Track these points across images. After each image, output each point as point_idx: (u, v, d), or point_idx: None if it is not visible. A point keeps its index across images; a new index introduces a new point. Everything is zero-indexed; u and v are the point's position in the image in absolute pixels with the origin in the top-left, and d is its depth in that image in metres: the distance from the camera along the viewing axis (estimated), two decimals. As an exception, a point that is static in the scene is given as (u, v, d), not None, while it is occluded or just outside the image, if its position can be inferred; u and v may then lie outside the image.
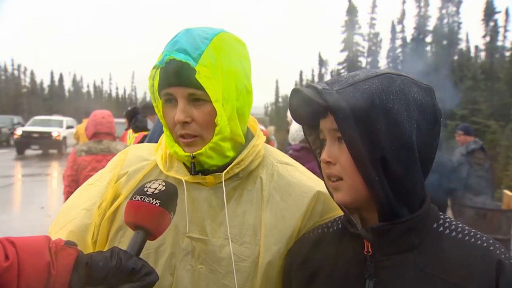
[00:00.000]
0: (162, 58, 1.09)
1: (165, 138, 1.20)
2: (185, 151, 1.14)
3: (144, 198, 0.98)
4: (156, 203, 0.97)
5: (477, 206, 5.69)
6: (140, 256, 0.95)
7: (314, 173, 1.30)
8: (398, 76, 0.98)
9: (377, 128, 0.92)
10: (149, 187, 1.00)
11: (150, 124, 5.75)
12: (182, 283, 1.12)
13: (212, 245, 1.13)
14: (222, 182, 1.15)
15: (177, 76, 1.09)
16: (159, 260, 1.13)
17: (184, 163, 1.19)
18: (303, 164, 1.33)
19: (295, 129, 3.45)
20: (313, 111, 1.00)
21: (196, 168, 1.16)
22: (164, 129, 1.18)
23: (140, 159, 1.26)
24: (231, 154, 1.17)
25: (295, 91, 1.02)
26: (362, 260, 0.99)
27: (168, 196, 1.00)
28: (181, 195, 1.11)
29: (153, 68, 1.12)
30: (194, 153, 1.13)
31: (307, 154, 3.23)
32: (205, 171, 1.17)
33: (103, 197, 1.20)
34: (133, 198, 0.99)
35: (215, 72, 1.08)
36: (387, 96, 0.93)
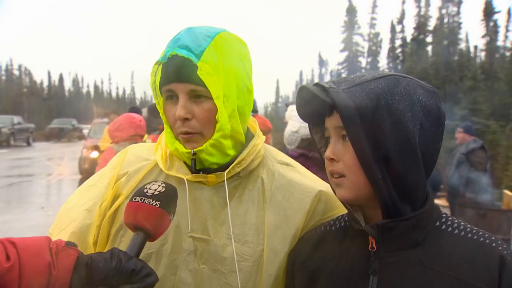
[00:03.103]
0: (165, 54, 1.10)
1: (165, 135, 1.20)
2: (185, 148, 1.14)
3: (144, 199, 0.98)
4: (156, 204, 0.97)
5: (477, 206, 5.71)
6: (141, 256, 0.95)
7: None
8: (404, 78, 1.00)
9: (381, 127, 0.93)
10: (149, 188, 1.00)
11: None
12: (185, 283, 1.12)
13: (215, 245, 1.13)
14: (224, 181, 1.15)
15: (178, 72, 1.09)
16: (160, 260, 1.13)
17: (184, 162, 1.19)
18: None
19: (288, 133, 3.24)
20: (319, 109, 1.02)
21: (197, 166, 1.16)
22: (165, 126, 1.18)
23: (140, 159, 1.26)
24: (231, 152, 1.17)
25: (302, 89, 1.03)
26: (367, 257, 1.00)
27: (167, 197, 1.00)
28: (182, 194, 1.11)
29: (155, 63, 1.13)
30: (194, 150, 1.13)
31: (305, 161, 3.18)
32: (206, 170, 1.17)
33: (103, 198, 1.19)
34: (133, 199, 0.99)
35: (217, 69, 1.09)
36: (393, 97, 0.95)
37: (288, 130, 3.35)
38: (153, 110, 5.91)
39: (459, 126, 6.63)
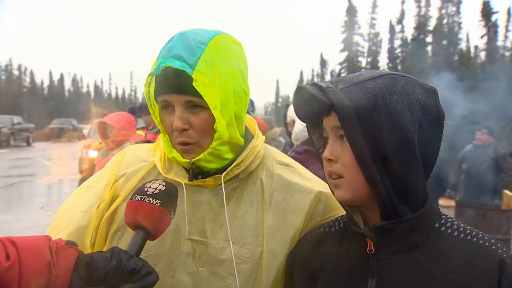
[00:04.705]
0: (158, 66, 1.07)
1: (163, 143, 1.20)
2: (183, 157, 1.14)
3: (144, 198, 0.98)
4: (156, 203, 0.97)
5: (477, 206, 5.71)
6: (139, 256, 0.95)
7: (317, 176, 1.29)
8: (402, 77, 0.99)
9: (379, 127, 0.92)
10: (149, 187, 1.00)
11: (141, 123, 5.85)
12: (183, 285, 1.11)
13: (213, 248, 1.13)
14: (221, 184, 1.15)
15: (173, 84, 1.07)
16: (158, 263, 1.12)
17: (183, 166, 1.19)
18: (305, 168, 1.32)
19: (299, 129, 3.43)
20: (317, 109, 1.01)
21: (195, 170, 1.16)
22: (161, 134, 1.17)
23: (138, 160, 1.25)
24: (229, 156, 1.16)
25: (299, 89, 1.02)
26: (365, 259, 0.99)
27: (168, 196, 1.00)
28: (181, 197, 1.10)
29: (149, 75, 1.11)
30: (193, 160, 1.12)
31: (310, 157, 3.22)
32: (204, 173, 1.16)
33: (101, 199, 1.19)
34: (133, 198, 0.99)
35: (213, 78, 1.07)
36: (391, 96, 0.94)
37: (300, 126, 3.42)
38: (139, 109, 5.94)
39: (482, 128, 6.56)
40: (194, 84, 1.05)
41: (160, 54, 1.10)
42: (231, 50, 1.13)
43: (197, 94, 1.06)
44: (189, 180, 1.15)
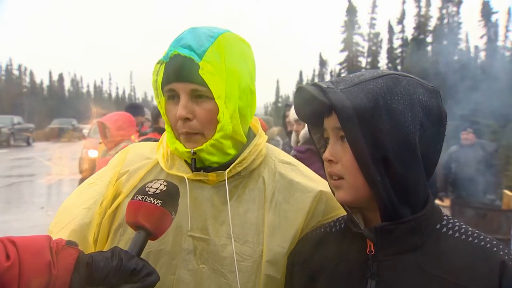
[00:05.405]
0: (167, 53, 1.10)
1: (166, 135, 1.21)
2: (186, 147, 1.14)
3: (146, 198, 0.98)
4: (158, 203, 0.97)
5: (477, 206, 5.71)
6: (140, 256, 0.95)
7: (317, 175, 1.29)
8: (404, 77, 0.98)
9: (380, 128, 0.92)
10: (151, 187, 1.00)
11: None
12: (184, 283, 1.11)
13: (214, 245, 1.13)
14: (225, 180, 1.15)
15: (180, 72, 1.09)
16: (159, 260, 1.12)
17: (185, 161, 1.19)
18: (307, 166, 1.32)
19: (306, 129, 3.46)
20: (317, 110, 1.00)
21: (197, 165, 1.16)
22: (166, 126, 1.18)
23: (141, 158, 1.26)
24: (232, 152, 1.16)
25: (299, 89, 1.02)
26: (365, 260, 0.99)
27: (169, 196, 1.00)
28: (183, 192, 1.11)
29: (157, 63, 1.13)
30: (194, 149, 1.13)
31: (311, 156, 3.23)
32: (207, 168, 1.17)
33: (104, 196, 1.19)
34: (135, 198, 0.99)
35: (219, 69, 1.08)
36: (392, 97, 0.94)
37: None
38: (127, 111, 5.89)
39: (468, 127, 6.59)
40: (200, 72, 1.06)
41: (170, 44, 1.13)
42: (239, 47, 1.15)
43: (202, 83, 1.07)
44: (192, 170, 1.16)
